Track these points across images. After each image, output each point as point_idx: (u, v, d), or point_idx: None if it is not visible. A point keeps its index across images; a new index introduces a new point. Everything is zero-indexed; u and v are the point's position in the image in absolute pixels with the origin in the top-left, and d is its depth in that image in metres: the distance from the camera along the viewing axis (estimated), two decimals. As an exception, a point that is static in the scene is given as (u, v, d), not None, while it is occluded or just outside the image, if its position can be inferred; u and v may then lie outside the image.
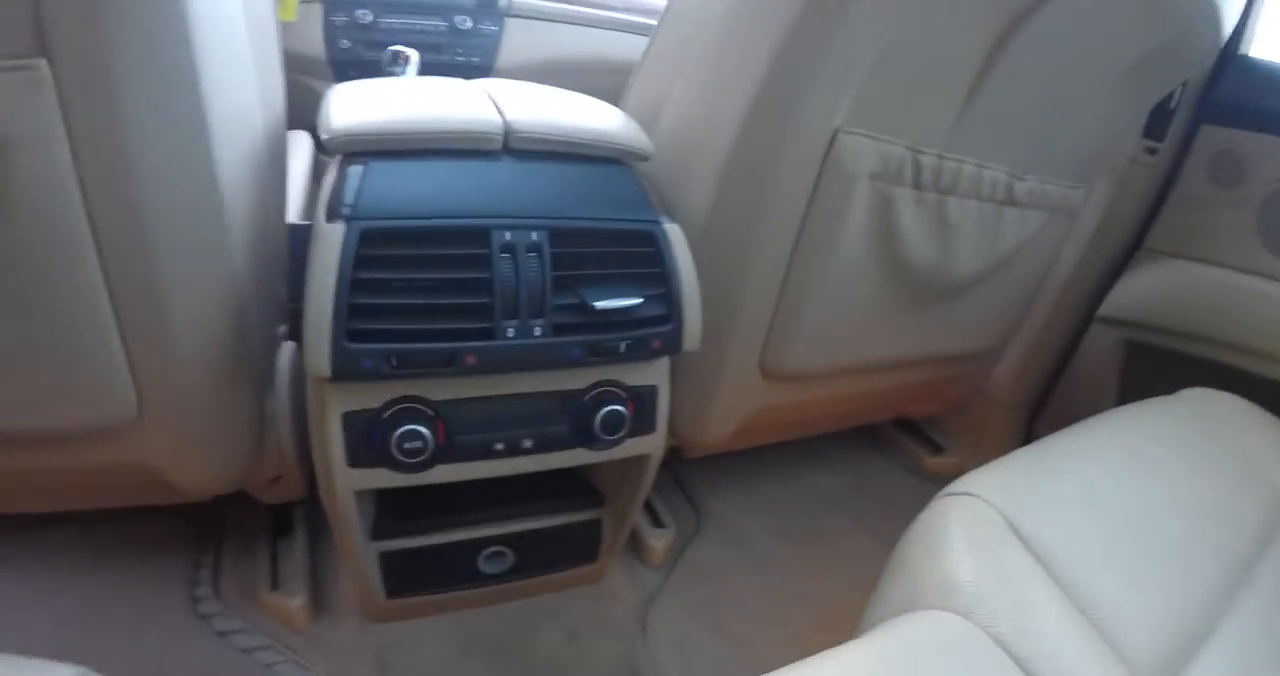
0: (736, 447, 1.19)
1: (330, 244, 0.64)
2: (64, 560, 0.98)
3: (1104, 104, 0.93)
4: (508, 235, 0.68)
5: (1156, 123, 1.12)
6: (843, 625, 0.56)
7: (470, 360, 0.67)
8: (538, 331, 0.69)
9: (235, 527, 1.06)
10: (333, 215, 0.65)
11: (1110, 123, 0.99)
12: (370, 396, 0.70)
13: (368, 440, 0.70)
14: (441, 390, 0.72)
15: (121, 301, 0.62)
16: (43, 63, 0.51)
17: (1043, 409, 1.39)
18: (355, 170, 0.68)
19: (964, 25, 0.75)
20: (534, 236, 0.69)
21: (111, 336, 0.63)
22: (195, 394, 0.69)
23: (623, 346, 0.72)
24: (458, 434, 0.73)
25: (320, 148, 1.48)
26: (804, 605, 1.10)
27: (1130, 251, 1.24)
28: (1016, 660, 0.55)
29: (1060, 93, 0.88)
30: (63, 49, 0.51)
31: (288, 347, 0.88)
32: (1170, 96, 1.10)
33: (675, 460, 1.25)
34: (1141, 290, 1.20)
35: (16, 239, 0.55)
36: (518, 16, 1.63)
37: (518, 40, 1.64)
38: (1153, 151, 1.14)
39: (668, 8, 0.90)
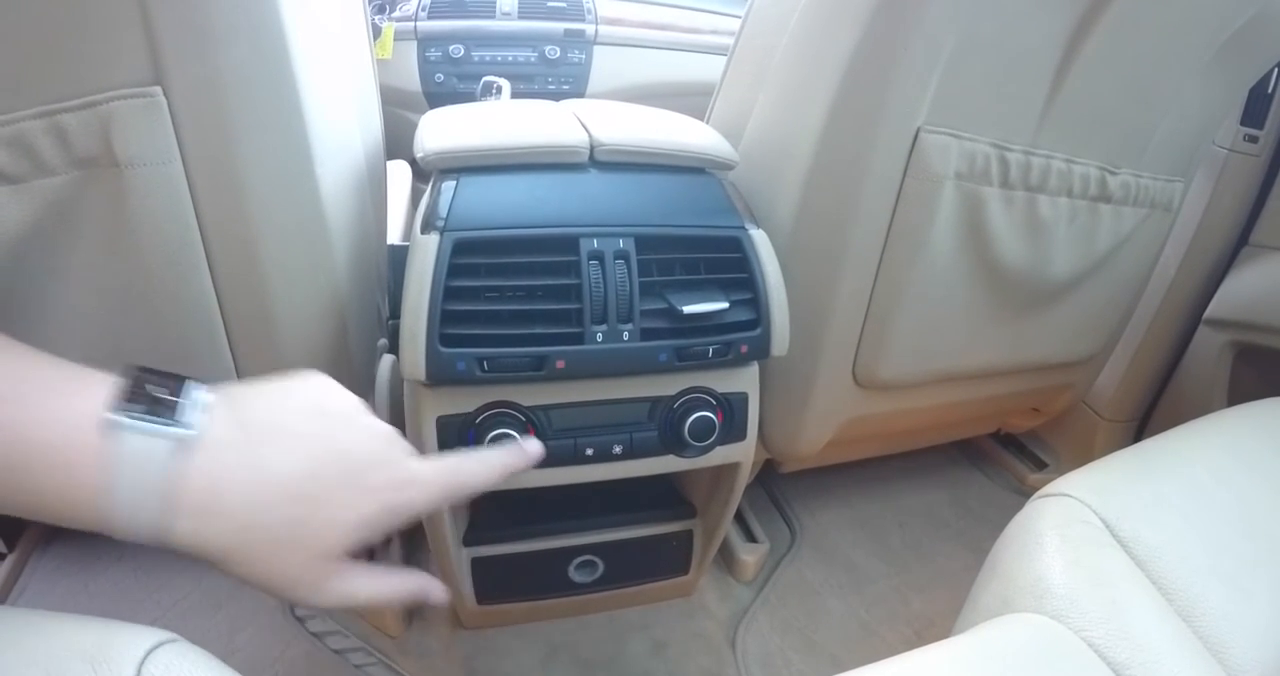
0: (831, 461, 1.18)
1: (425, 253, 0.66)
2: (174, 559, 1.02)
3: (1196, 89, 0.90)
4: (595, 242, 0.69)
5: (1255, 108, 1.08)
6: (940, 644, 0.55)
7: (560, 364, 0.69)
8: (626, 336, 0.70)
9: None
10: (427, 227, 0.68)
11: (1205, 109, 0.95)
12: (463, 401, 0.72)
13: (461, 443, 0.72)
14: (532, 396, 0.73)
15: (230, 308, 0.65)
16: (158, 90, 0.55)
17: (1149, 420, 1.33)
18: (448, 185, 0.71)
19: (1041, 13, 0.74)
20: (621, 243, 0.70)
21: (220, 341, 0.66)
22: (298, 399, 0.72)
23: (710, 351, 0.73)
24: (548, 438, 0.74)
25: (418, 175, 1.54)
26: (900, 624, 1.08)
27: (1236, 248, 1.18)
28: (1111, 665, 0.52)
29: (1148, 79, 0.85)
30: (175, 78, 0.55)
31: (387, 360, 0.92)
32: (1268, 79, 1.06)
33: (770, 475, 1.25)
34: (1249, 288, 1.15)
35: (135, 251, 0.59)
36: (605, 44, 1.68)
37: (606, 67, 1.68)
38: (1253, 140, 1.09)
39: (744, 22, 0.91)
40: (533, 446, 0.54)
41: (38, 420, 0.37)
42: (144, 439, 0.38)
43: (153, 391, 0.40)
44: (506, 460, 0.52)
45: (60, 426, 0.37)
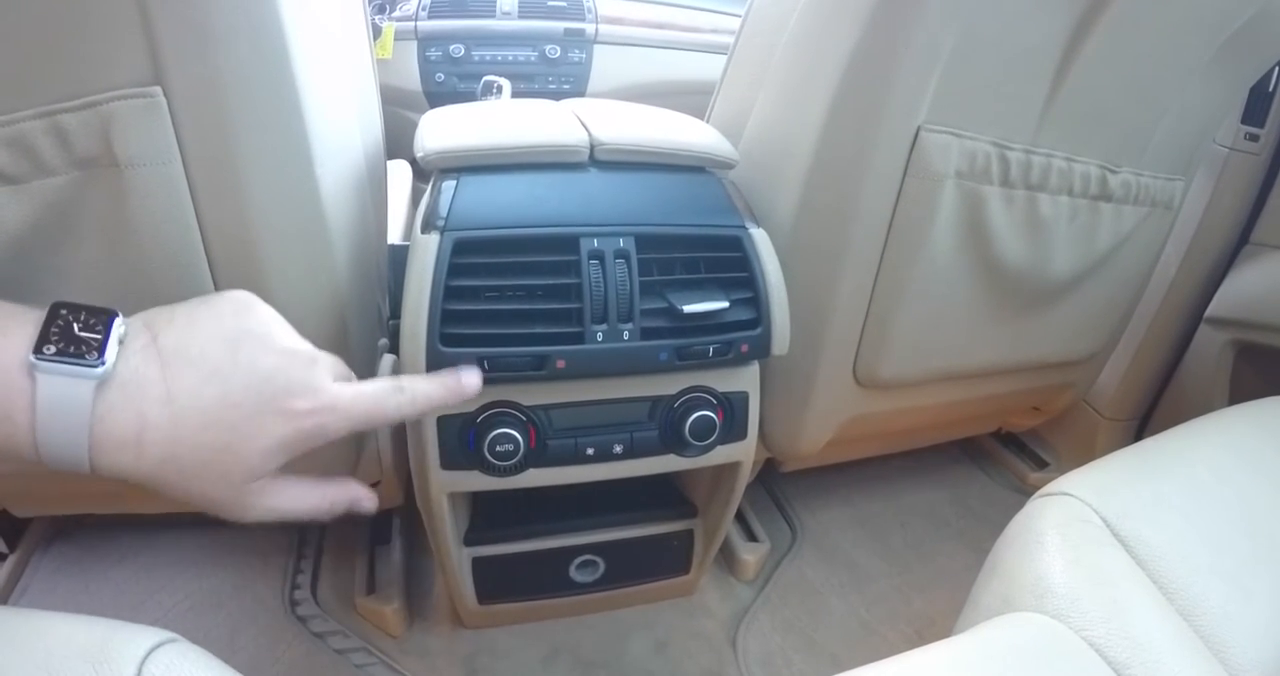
0: (832, 460, 1.18)
1: (425, 253, 0.66)
2: (174, 559, 1.04)
3: (1197, 88, 0.90)
4: (596, 242, 0.69)
5: (1256, 107, 1.07)
6: (940, 644, 0.55)
7: (560, 363, 0.69)
8: (626, 335, 0.70)
9: (335, 534, 1.11)
10: (427, 226, 0.68)
11: (1205, 108, 0.95)
12: (464, 401, 0.72)
13: (461, 443, 0.72)
14: (533, 395, 0.73)
15: None
16: (158, 90, 0.54)
17: (1150, 419, 1.33)
18: (448, 185, 0.71)
19: (1042, 12, 0.74)
20: (621, 243, 0.70)
21: None
22: (298, 399, 0.71)
23: (711, 350, 0.72)
24: (549, 438, 0.74)
25: (418, 174, 1.54)
26: (900, 623, 1.08)
27: (1236, 247, 1.18)
28: (1112, 665, 0.52)
29: (1148, 78, 0.85)
30: (174, 78, 0.54)
31: (388, 359, 0.92)
32: (1268, 78, 1.05)
33: (771, 474, 1.25)
34: (1250, 287, 1.14)
35: (136, 251, 0.59)
36: (605, 43, 1.68)
37: (607, 66, 1.69)
38: (1254, 138, 1.09)
39: (744, 21, 0.91)
40: (469, 378, 0.55)
41: None
42: (65, 381, 0.39)
43: (78, 330, 0.41)
44: (432, 393, 0.53)
45: None
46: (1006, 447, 1.44)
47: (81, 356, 0.40)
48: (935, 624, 1.07)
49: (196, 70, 0.55)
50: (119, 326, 0.43)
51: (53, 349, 0.40)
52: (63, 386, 0.39)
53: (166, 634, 0.40)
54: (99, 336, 0.41)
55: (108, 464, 0.41)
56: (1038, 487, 0.69)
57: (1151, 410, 1.33)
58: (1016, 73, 0.78)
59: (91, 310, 0.42)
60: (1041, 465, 1.38)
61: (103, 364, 0.40)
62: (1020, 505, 0.69)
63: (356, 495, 0.52)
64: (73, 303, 0.42)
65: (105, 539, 1.06)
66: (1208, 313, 1.20)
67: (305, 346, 0.49)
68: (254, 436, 0.44)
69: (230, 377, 0.44)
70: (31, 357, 0.39)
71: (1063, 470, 0.71)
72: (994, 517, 1.27)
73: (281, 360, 0.46)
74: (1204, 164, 1.11)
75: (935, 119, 0.75)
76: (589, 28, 1.67)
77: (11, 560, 1.01)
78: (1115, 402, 1.30)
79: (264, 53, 0.58)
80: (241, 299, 0.49)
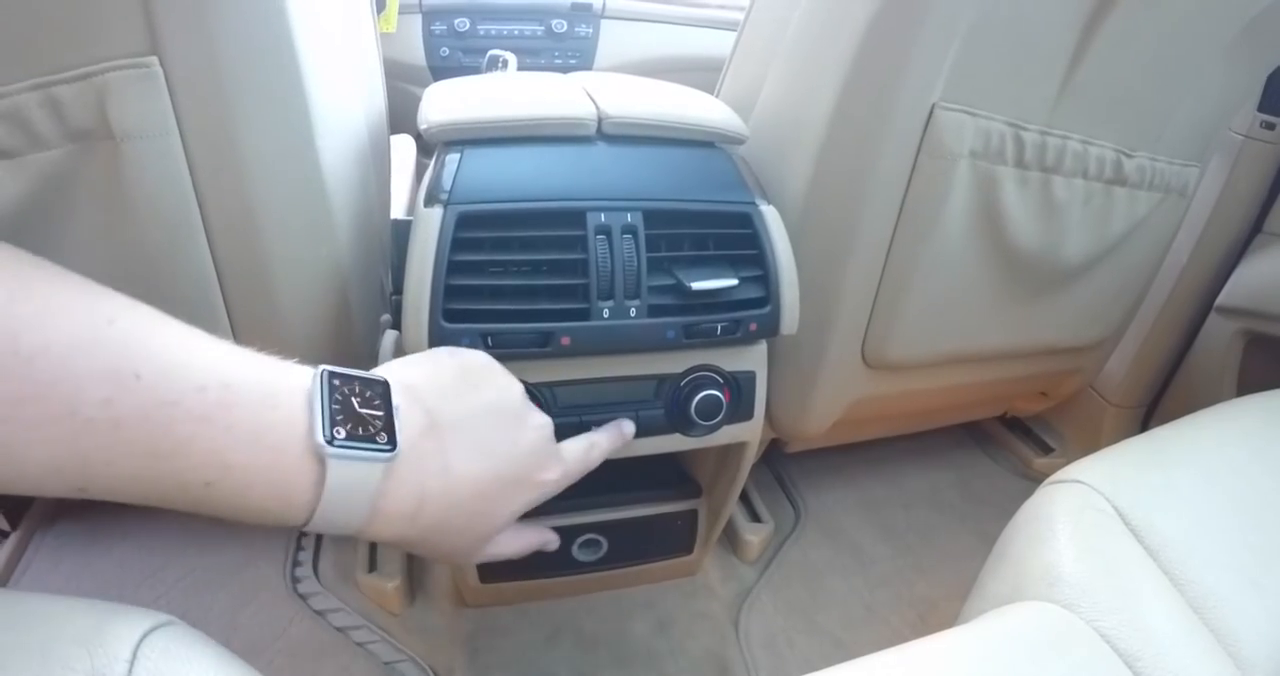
0: (838, 441, 1.17)
1: (428, 227, 0.65)
2: (177, 537, 1.03)
3: (1216, 73, 0.88)
4: (603, 217, 0.68)
5: (1274, 95, 1.05)
6: (943, 628, 0.54)
7: (565, 340, 0.68)
8: (633, 312, 0.69)
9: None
10: (431, 200, 0.67)
11: (1223, 94, 0.93)
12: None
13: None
14: (537, 373, 0.72)
15: (229, 284, 0.64)
16: (154, 60, 0.54)
17: (1157, 407, 1.32)
18: (452, 158, 0.69)
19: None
20: (629, 218, 0.69)
21: (220, 317, 0.65)
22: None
23: (719, 328, 0.71)
24: (553, 416, 0.72)
25: (422, 149, 1.53)
26: (904, 606, 1.07)
27: (1249, 236, 1.17)
28: (1122, 656, 0.52)
29: (1168, 61, 0.84)
30: (172, 48, 0.54)
31: (391, 335, 0.91)
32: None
33: (775, 455, 1.24)
34: (1261, 277, 1.13)
35: (133, 225, 0.58)
36: (612, 18, 1.66)
37: (613, 41, 1.67)
38: (1270, 127, 1.07)
39: (756, -6, 0.89)
40: (627, 426, 0.68)
41: (242, 443, 0.37)
42: (354, 465, 0.40)
43: (358, 406, 0.41)
44: (609, 445, 0.64)
45: (267, 450, 0.38)
46: (1011, 432, 1.43)
47: (372, 439, 0.40)
48: (938, 608, 1.07)
49: (194, 40, 0.54)
50: (394, 397, 0.43)
51: (343, 432, 0.39)
52: (354, 470, 0.40)
53: (163, 616, 0.40)
54: (380, 413, 0.42)
55: (382, 531, 0.43)
56: (1042, 472, 0.68)
57: (1159, 398, 1.32)
58: (1034, 51, 0.77)
59: (364, 381, 0.43)
60: (1046, 450, 1.37)
61: (393, 447, 0.41)
62: (1024, 490, 0.68)
63: (548, 538, 0.60)
64: (339, 371, 0.42)
65: (107, 516, 1.05)
66: (1218, 301, 1.19)
67: (543, 417, 0.54)
68: (509, 502, 0.50)
69: (499, 454, 0.49)
70: (325, 445, 0.38)
71: (1068, 455, 0.71)
72: (998, 502, 1.27)
73: (533, 435, 0.52)
74: (1219, 151, 1.10)
75: (950, 97, 0.74)
76: (596, 2, 1.65)
77: (13, 538, 1.01)
78: (1122, 389, 1.29)
79: (263, 23, 0.57)
80: (493, 370, 0.53)
